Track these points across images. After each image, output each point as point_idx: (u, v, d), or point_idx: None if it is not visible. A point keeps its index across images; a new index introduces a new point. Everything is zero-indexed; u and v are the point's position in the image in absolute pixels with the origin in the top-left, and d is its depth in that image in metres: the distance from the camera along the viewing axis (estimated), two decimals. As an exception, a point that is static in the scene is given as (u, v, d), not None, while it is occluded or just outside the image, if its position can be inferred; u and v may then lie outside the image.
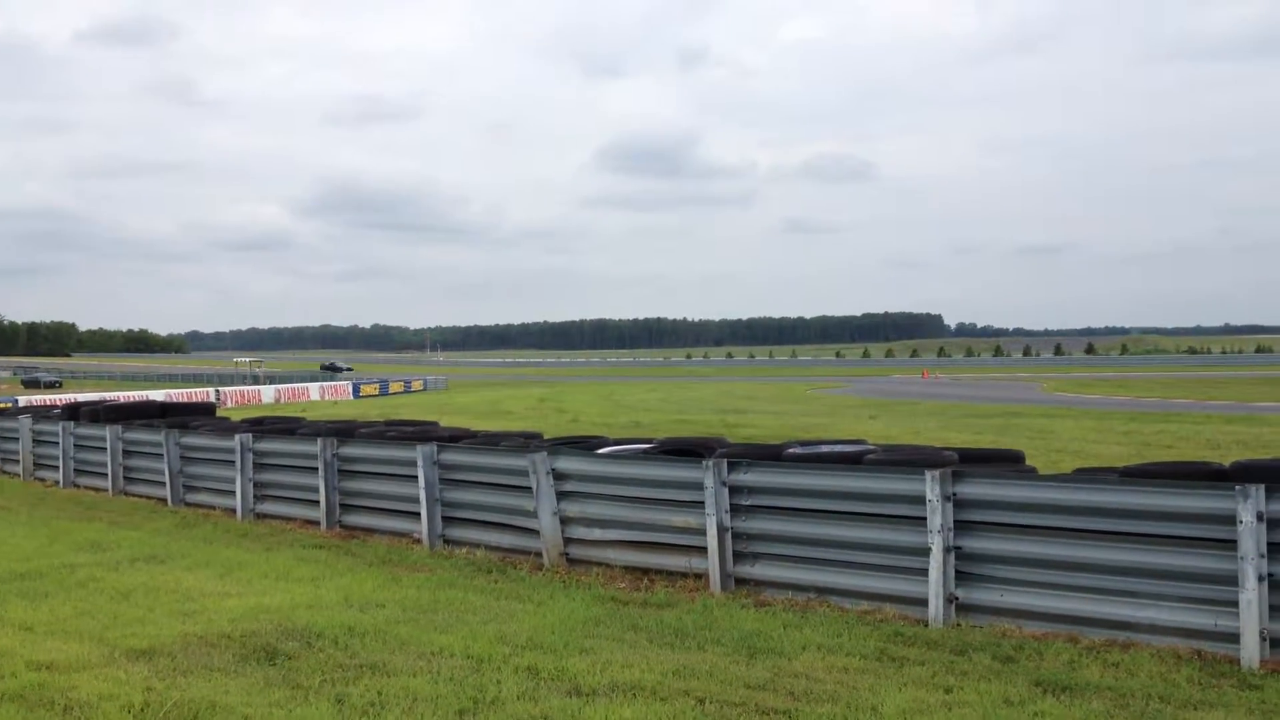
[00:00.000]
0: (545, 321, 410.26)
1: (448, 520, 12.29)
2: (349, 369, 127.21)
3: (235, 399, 66.52)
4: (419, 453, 12.35)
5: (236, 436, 15.17)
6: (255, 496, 14.99)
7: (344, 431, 14.77)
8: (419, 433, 14.26)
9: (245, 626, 8.49)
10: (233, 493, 15.18)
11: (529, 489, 11.15)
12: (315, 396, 72.99)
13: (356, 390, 77.98)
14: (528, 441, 13.09)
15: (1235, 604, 7.30)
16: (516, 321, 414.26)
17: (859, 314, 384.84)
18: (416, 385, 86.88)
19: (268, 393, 71.02)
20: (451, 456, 12.36)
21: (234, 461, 15.10)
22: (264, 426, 16.56)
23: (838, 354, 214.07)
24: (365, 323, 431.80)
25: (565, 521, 10.99)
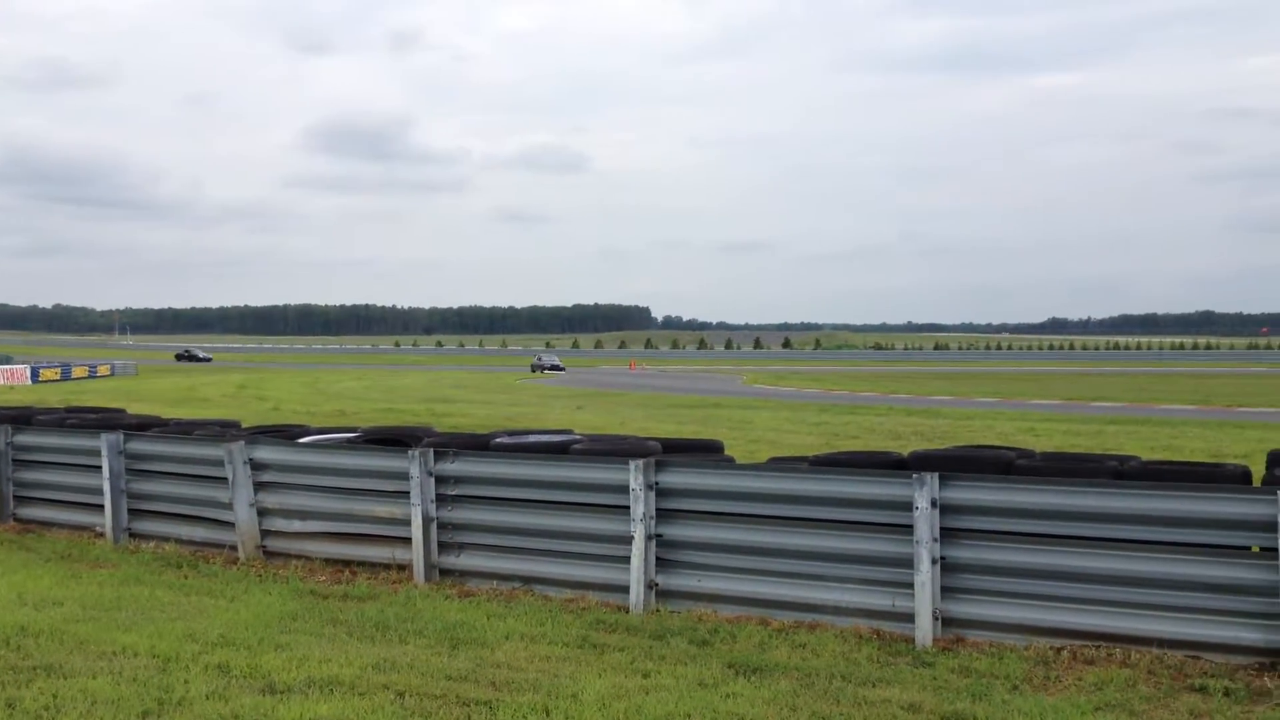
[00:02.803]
0: (246, 306, 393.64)
1: (135, 513, 11.67)
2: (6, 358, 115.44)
3: (-106, 382, 60.83)
4: (103, 441, 11.65)
5: (-107, 423, 13.87)
6: (-86, 489, 13.75)
7: (19, 418, 13.77)
8: (104, 420, 13.45)
9: (-101, 630, 7.78)
10: (-112, 485, 13.86)
11: (224, 480, 10.71)
12: (-12, 380, 67.66)
13: (35, 375, 72.78)
14: (224, 430, 12.56)
15: (911, 586, 7.79)
16: (215, 305, 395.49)
17: (569, 304, 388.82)
18: (103, 370, 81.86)
19: (-68, 376, 65.33)
20: (139, 446, 11.73)
21: (-110, 450, 13.80)
22: (-74, 412, 15.22)
23: (548, 344, 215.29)
24: (46, 302, 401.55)
25: (263, 513, 10.62)
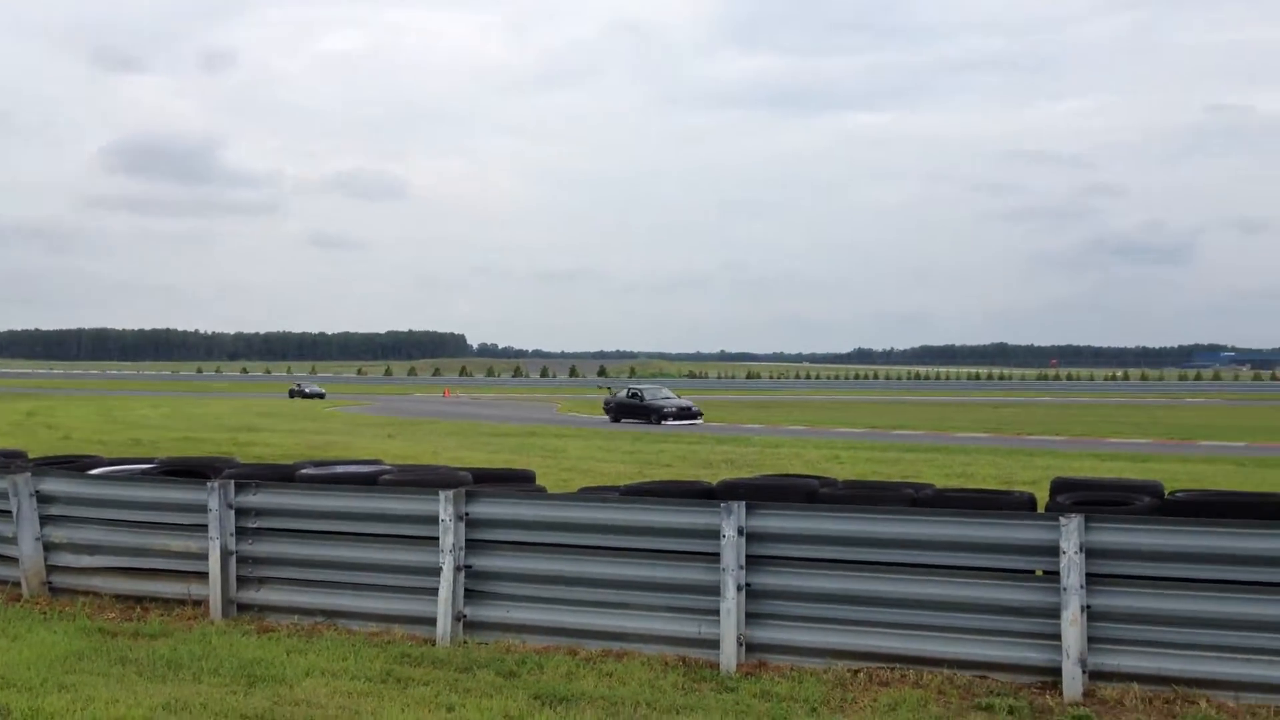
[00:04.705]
0: (36, 329, 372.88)
1: (-93, 549, 10.96)
2: None
3: None
4: (-128, 473, 10.92)
5: None
6: None
7: None
8: (-126, 450, 12.62)
9: None
10: None
11: (8, 513, 10.16)
12: None
13: None
14: (9, 461, 11.94)
15: (717, 612, 7.91)
16: (2, 329, 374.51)
17: (383, 331, 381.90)
18: (-123, 396, 76.88)
19: None
20: (-87, 477, 11.03)
21: None
22: None
23: (359, 371, 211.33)
24: None
25: (50, 548, 10.11)
